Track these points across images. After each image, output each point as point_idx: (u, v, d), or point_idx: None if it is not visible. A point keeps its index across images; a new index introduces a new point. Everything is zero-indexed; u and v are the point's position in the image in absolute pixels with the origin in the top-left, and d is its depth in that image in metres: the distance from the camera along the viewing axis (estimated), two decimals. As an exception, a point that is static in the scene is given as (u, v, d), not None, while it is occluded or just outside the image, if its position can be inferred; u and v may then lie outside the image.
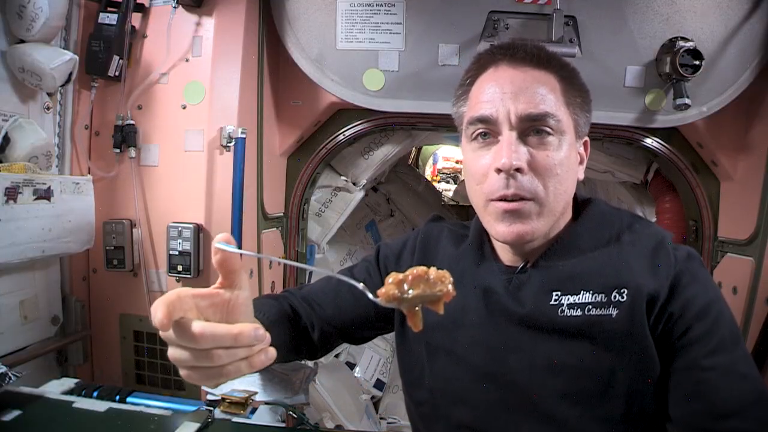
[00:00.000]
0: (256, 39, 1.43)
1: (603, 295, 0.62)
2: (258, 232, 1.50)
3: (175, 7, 1.33)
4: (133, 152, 1.38)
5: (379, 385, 2.41)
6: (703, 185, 1.58)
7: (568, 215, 0.71)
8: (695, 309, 0.60)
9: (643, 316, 0.60)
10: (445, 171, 5.42)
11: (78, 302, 1.40)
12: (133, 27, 1.37)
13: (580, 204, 0.74)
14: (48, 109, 1.30)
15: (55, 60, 1.18)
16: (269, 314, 0.70)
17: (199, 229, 1.33)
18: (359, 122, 1.60)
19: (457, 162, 5.28)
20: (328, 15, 1.41)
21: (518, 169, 0.62)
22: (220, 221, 1.34)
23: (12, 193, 1.08)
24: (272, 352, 0.48)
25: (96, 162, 1.41)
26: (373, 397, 2.37)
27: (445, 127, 1.62)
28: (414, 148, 3.72)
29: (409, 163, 4.02)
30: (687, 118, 1.41)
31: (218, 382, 0.48)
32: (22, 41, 1.18)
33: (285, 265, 1.68)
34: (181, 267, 1.31)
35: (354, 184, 1.92)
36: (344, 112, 1.60)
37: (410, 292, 0.49)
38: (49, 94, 1.29)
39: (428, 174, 5.22)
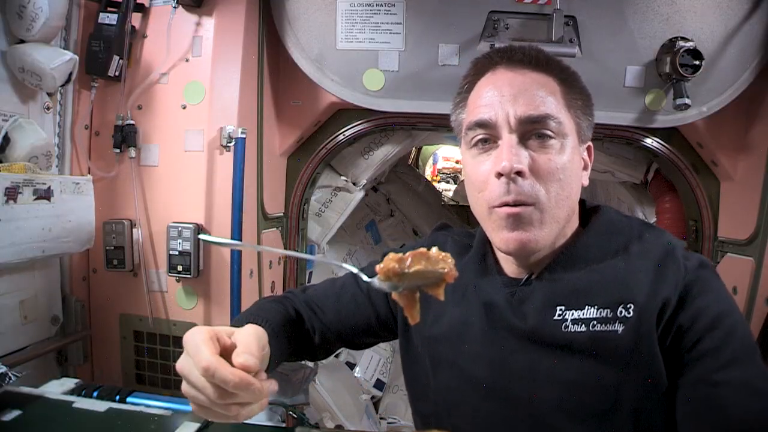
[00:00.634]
0: (256, 39, 1.43)
1: (608, 311, 0.60)
2: (258, 232, 1.50)
3: (175, 7, 1.33)
4: (133, 152, 1.38)
5: (379, 385, 2.41)
6: (703, 185, 1.57)
7: (575, 223, 0.69)
8: (706, 320, 0.57)
9: (650, 332, 0.58)
10: (445, 171, 5.42)
11: (78, 302, 1.40)
12: (133, 27, 1.37)
13: (588, 211, 0.71)
14: (48, 109, 1.30)
15: (55, 60, 1.17)
16: (273, 322, 0.68)
17: (199, 229, 1.32)
18: (359, 122, 1.60)
19: (457, 162, 5.28)
20: (328, 15, 1.41)
21: (519, 173, 0.60)
22: (220, 221, 1.34)
23: (12, 193, 1.08)
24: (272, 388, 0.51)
25: (96, 162, 1.41)
26: (373, 397, 2.37)
27: (445, 127, 1.61)
28: (414, 148, 3.72)
29: (409, 163, 4.02)
30: (687, 118, 1.41)
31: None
32: (22, 41, 1.18)
33: (285, 265, 1.68)
34: (181, 267, 1.31)
35: (354, 184, 1.92)
36: (344, 112, 1.60)
37: (410, 268, 0.46)
38: (49, 94, 1.29)
39: (428, 174, 5.22)
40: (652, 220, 1.88)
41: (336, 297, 0.80)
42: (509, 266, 0.69)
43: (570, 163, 0.63)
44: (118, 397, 0.90)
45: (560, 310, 0.61)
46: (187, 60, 1.37)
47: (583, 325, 0.60)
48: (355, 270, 0.49)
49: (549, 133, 0.62)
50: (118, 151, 1.38)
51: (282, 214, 1.66)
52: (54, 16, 1.17)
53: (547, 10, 1.31)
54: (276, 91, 1.58)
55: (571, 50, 1.30)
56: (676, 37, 1.32)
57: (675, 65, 1.29)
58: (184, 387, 0.51)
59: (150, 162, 1.40)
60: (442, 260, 0.46)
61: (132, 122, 1.38)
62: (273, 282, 1.59)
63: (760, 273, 1.34)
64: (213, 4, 1.36)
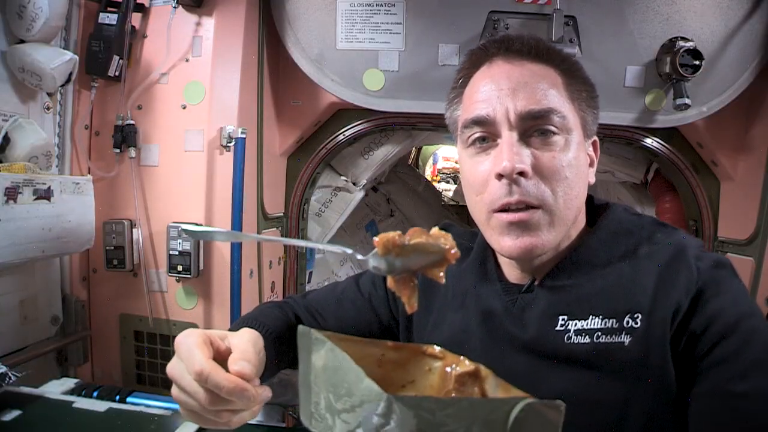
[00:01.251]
0: (256, 39, 1.43)
1: (614, 321, 0.55)
2: (258, 232, 1.50)
3: (175, 7, 1.33)
4: (133, 152, 1.38)
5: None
6: (703, 185, 1.57)
7: (581, 223, 0.64)
8: (721, 325, 0.51)
9: (661, 343, 0.53)
10: (445, 171, 5.42)
11: (78, 302, 1.40)
12: (133, 27, 1.37)
13: (596, 210, 0.66)
14: (48, 109, 1.30)
15: (55, 60, 1.17)
16: (273, 329, 0.67)
17: (199, 229, 1.32)
18: (359, 122, 1.60)
19: (456, 162, 5.27)
20: (328, 15, 1.41)
21: (522, 173, 0.55)
22: (220, 221, 1.34)
23: (12, 193, 1.08)
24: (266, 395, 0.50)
25: (96, 162, 1.41)
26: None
27: (445, 127, 1.61)
28: (414, 148, 3.72)
29: (409, 163, 4.02)
30: (687, 118, 1.41)
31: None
32: (22, 41, 1.18)
33: (285, 265, 1.68)
34: (181, 267, 1.31)
35: (354, 184, 1.92)
36: (344, 112, 1.60)
37: (410, 240, 0.43)
38: (49, 94, 1.29)
39: (428, 174, 5.22)
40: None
41: (337, 302, 0.78)
42: (510, 271, 0.66)
43: (576, 160, 0.58)
44: (118, 397, 0.90)
45: (563, 320, 0.57)
46: (187, 60, 1.37)
47: (587, 336, 0.56)
48: (349, 251, 0.47)
49: (552, 128, 0.57)
50: (118, 151, 1.38)
51: (282, 214, 1.67)
52: (54, 16, 1.17)
53: (547, 10, 1.31)
54: (276, 91, 1.58)
55: (571, 50, 1.30)
56: (676, 37, 1.32)
57: (675, 65, 1.29)
58: (174, 391, 0.49)
59: (150, 162, 1.40)
60: (442, 237, 0.44)
61: (132, 122, 1.38)
62: (273, 282, 1.59)
63: (760, 273, 1.35)
64: (213, 4, 1.36)
